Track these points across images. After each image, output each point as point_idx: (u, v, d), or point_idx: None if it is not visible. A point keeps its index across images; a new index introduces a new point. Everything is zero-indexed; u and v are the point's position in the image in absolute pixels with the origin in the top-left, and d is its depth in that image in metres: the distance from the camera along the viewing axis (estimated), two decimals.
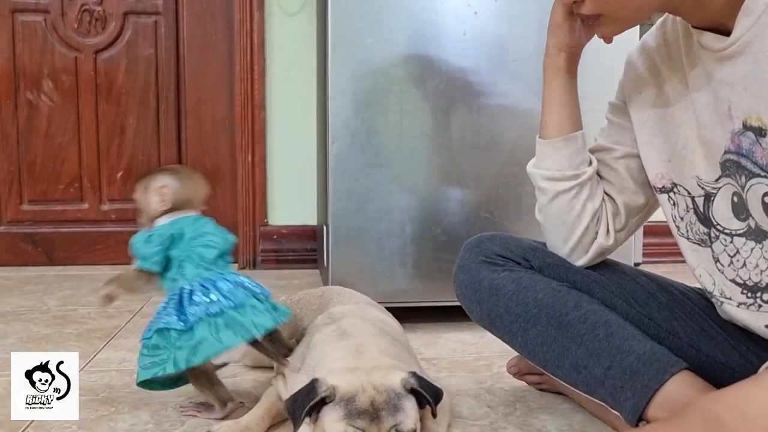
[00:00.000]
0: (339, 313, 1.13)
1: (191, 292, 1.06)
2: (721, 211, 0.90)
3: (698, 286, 1.02)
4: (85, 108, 2.37)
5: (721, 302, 0.95)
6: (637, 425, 0.91)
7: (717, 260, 0.93)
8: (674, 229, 0.99)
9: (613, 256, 1.11)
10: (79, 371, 1.29)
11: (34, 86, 2.34)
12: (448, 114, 1.63)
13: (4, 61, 2.32)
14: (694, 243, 0.95)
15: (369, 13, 1.57)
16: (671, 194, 0.97)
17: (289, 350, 1.12)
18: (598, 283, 1.06)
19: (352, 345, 0.99)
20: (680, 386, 0.90)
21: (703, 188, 0.91)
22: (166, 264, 1.11)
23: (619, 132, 1.05)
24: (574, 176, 1.03)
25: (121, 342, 1.54)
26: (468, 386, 1.27)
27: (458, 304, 1.14)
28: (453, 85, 1.61)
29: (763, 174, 0.82)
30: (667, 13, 0.96)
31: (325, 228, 1.71)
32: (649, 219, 1.10)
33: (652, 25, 1.01)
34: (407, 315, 1.55)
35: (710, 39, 0.86)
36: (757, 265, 0.87)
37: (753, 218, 0.86)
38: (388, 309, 1.28)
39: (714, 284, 0.95)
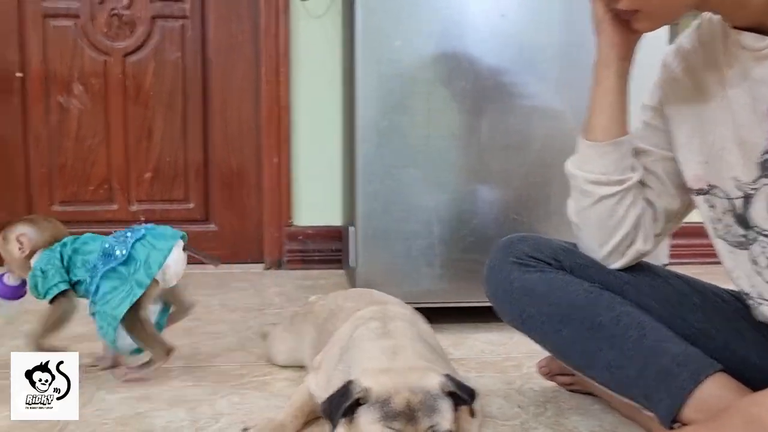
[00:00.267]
0: (393, 313, 1.13)
1: (109, 247, 1.23)
2: (760, 212, 0.89)
3: (729, 287, 1.01)
4: (114, 111, 2.41)
5: (759, 304, 0.94)
6: (671, 427, 0.91)
7: (755, 262, 0.92)
8: (711, 232, 0.98)
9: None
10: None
11: (64, 90, 2.39)
12: (476, 114, 1.63)
13: (36, 65, 2.37)
14: (731, 245, 0.95)
15: (396, 15, 1.58)
16: (708, 196, 0.96)
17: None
18: (631, 285, 1.05)
19: (390, 346, 0.99)
20: (715, 388, 0.90)
21: (741, 189, 0.91)
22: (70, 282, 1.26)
23: (656, 135, 1.04)
24: (620, 182, 1.01)
25: None
26: (497, 386, 1.28)
27: (486, 304, 1.14)
28: (480, 85, 1.61)
29: None
30: (701, 15, 0.96)
31: (351, 228, 1.72)
32: None
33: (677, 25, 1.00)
34: (434, 315, 1.54)
35: (750, 38, 0.85)
36: None
37: None
38: (416, 309, 1.28)
39: (752, 286, 0.94)
